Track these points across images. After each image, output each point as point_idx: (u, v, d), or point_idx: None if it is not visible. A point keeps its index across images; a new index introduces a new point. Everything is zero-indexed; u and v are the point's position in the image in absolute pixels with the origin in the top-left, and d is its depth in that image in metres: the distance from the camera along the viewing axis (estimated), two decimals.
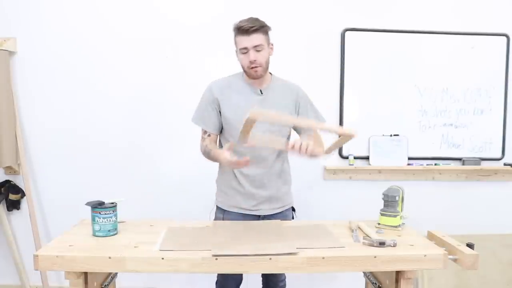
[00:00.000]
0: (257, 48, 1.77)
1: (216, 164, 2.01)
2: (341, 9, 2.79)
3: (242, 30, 1.75)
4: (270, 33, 1.85)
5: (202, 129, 1.95)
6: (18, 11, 2.71)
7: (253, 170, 1.90)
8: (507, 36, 2.83)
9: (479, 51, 2.83)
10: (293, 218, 2.08)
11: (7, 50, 2.67)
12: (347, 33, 2.78)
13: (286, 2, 2.76)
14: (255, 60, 1.78)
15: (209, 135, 1.93)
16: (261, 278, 2.15)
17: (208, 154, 1.91)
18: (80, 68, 2.75)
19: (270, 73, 1.96)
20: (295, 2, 2.76)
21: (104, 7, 2.73)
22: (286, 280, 2.16)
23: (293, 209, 2.09)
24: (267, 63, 1.84)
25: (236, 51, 1.85)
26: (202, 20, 2.74)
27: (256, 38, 1.76)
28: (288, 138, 1.98)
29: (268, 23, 1.83)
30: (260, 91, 1.89)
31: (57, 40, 2.73)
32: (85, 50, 2.74)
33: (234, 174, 1.93)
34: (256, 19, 1.80)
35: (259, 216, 1.95)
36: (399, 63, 2.81)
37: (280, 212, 1.99)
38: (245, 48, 1.78)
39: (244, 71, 1.87)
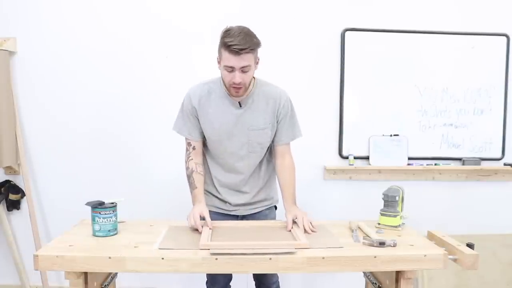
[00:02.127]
0: (244, 69, 1.65)
1: None
2: (341, 9, 2.78)
3: (231, 50, 1.61)
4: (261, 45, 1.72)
5: (186, 140, 1.90)
6: (17, 11, 2.71)
7: (230, 179, 1.91)
8: (507, 36, 2.83)
9: (479, 51, 2.83)
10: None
11: (7, 50, 2.67)
12: (347, 33, 2.78)
13: (286, 2, 2.76)
14: (240, 82, 1.67)
15: (194, 148, 1.88)
16: (253, 280, 2.11)
17: (189, 185, 1.87)
18: (80, 68, 2.75)
19: (254, 77, 1.83)
20: (295, 3, 2.76)
21: (103, 8, 2.73)
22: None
23: (275, 207, 2.08)
24: (250, 82, 1.74)
25: (219, 62, 1.73)
26: (201, 21, 2.74)
27: (245, 59, 1.63)
28: (268, 148, 1.93)
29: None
30: (239, 103, 1.80)
31: (57, 40, 2.73)
32: (85, 50, 2.74)
33: (212, 180, 1.94)
34: (248, 35, 1.64)
35: (237, 216, 1.96)
36: (399, 63, 2.81)
37: (259, 212, 1.98)
38: (231, 67, 1.66)
39: (225, 85, 1.77)
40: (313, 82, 2.81)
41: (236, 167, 1.89)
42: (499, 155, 2.90)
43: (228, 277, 2.02)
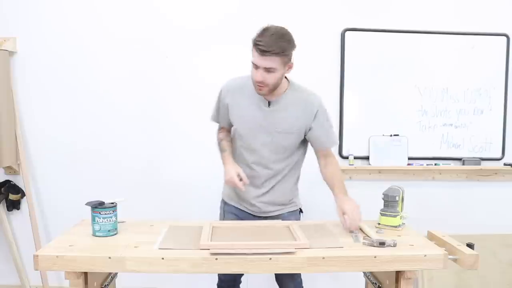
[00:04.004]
0: (267, 70, 1.67)
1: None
2: (341, 9, 2.78)
3: (257, 48, 1.64)
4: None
5: None
6: (18, 11, 2.71)
7: (247, 174, 1.90)
8: (507, 36, 2.83)
9: (479, 51, 2.83)
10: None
11: (7, 50, 2.67)
12: (347, 33, 2.78)
13: (286, 2, 2.76)
14: (261, 81, 1.69)
15: (223, 127, 2.02)
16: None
17: (219, 151, 1.98)
18: (80, 68, 2.76)
19: (287, 79, 1.85)
20: (295, 3, 2.76)
21: (104, 8, 2.73)
22: None
23: (301, 211, 2.08)
24: (276, 84, 1.73)
25: None
26: (201, 21, 2.74)
27: (268, 61, 1.64)
28: (299, 150, 1.92)
29: (267, 24, 1.80)
30: (269, 103, 1.82)
31: (57, 40, 2.73)
32: (85, 50, 2.75)
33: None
34: (280, 38, 1.64)
35: (253, 215, 1.97)
36: (399, 63, 2.81)
37: (278, 215, 1.96)
38: (256, 65, 1.68)
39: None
40: (313, 82, 2.77)
41: (255, 166, 1.89)
42: (499, 155, 2.90)
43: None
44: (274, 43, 1.63)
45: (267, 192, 1.92)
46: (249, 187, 1.91)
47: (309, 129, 1.85)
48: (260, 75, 1.68)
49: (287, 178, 1.94)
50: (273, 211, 1.96)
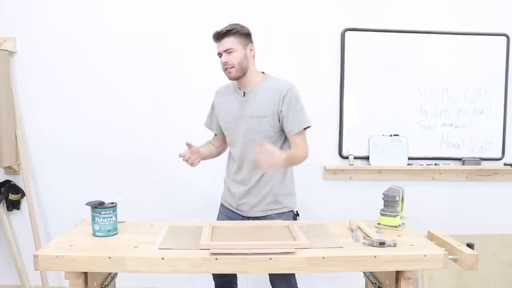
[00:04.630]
0: (228, 51, 1.84)
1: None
2: (341, 9, 2.78)
3: (214, 37, 1.87)
4: (252, 35, 1.91)
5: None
6: (17, 11, 2.71)
7: (234, 168, 2.01)
8: (507, 36, 2.83)
9: (479, 51, 2.83)
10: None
11: (7, 50, 2.67)
12: (347, 33, 2.78)
13: (286, 2, 2.76)
14: (226, 62, 1.85)
15: (215, 134, 2.14)
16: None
17: None
18: (79, 68, 2.76)
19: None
20: (295, 2, 2.76)
21: (104, 8, 2.73)
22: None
23: (297, 215, 2.02)
24: (241, 64, 1.86)
25: None
26: (201, 21, 2.74)
27: (226, 42, 1.84)
28: (279, 139, 1.93)
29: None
30: (244, 93, 1.93)
31: (57, 40, 2.73)
32: (85, 50, 2.75)
33: (227, 171, 2.07)
34: (231, 24, 1.87)
35: (243, 216, 1.98)
36: (399, 63, 2.81)
37: (267, 215, 1.95)
38: (219, 53, 1.88)
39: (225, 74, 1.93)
40: (313, 82, 2.81)
41: (238, 159, 1.96)
42: (499, 155, 2.90)
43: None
44: (226, 27, 1.86)
45: (252, 188, 1.94)
46: (236, 184, 1.98)
47: (281, 112, 1.88)
48: (224, 57, 1.86)
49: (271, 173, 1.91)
50: (260, 211, 1.95)
